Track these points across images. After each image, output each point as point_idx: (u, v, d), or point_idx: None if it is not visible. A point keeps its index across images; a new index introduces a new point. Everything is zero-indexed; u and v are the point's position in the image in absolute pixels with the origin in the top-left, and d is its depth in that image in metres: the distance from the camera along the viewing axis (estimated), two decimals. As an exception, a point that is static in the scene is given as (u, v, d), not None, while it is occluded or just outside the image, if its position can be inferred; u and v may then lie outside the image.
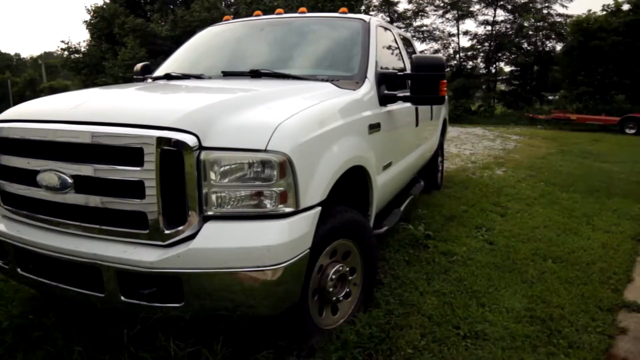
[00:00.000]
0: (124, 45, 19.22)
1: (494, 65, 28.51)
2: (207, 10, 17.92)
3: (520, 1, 26.51)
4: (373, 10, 28.69)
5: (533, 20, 25.85)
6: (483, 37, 27.75)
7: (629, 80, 20.29)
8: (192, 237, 2.04)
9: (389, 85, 3.44)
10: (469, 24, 76.26)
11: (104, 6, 22.67)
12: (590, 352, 2.61)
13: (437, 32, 28.65)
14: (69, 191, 2.19)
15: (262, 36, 3.90)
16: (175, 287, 2.04)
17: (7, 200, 2.51)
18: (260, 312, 2.14)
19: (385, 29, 4.24)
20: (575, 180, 7.43)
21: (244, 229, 2.04)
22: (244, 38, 3.99)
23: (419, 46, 38.08)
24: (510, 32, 26.98)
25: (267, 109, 2.30)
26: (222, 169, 2.03)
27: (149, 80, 3.82)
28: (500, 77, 29.50)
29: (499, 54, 27.79)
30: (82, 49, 23.65)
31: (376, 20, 3.93)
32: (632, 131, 16.98)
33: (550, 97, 27.29)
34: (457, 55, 28.50)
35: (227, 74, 3.39)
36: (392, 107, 3.48)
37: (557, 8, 27.45)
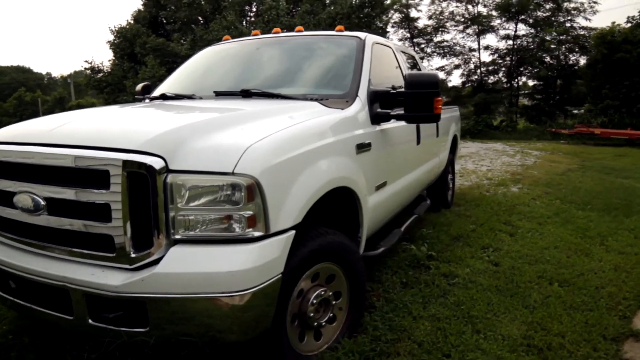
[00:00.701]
0: (145, 64, 19.68)
1: (516, 80, 28.11)
2: (225, 29, 18.21)
3: (542, 15, 26.18)
4: (393, 27, 28.74)
5: (555, 34, 25.46)
6: (504, 51, 27.42)
7: (656, 94, 19.74)
8: (158, 261, 2.00)
9: (384, 103, 3.37)
10: (490, 39, 75.51)
11: (127, 27, 23.29)
12: (588, 386, 2.46)
13: (458, 47, 28.45)
14: (42, 213, 2.20)
15: (257, 56, 3.89)
16: (140, 312, 1.99)
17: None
18: (228, 338, 2.07)
19: (385, 45, 4.19)
20: (593, 198, 7.18)
21: (210, 253, 1.98)
22: (239, 58, 3.99)
23: (439, 62, 37.87)
24: (532, 46, 26.60)
25: (241, 130, 2.25)
26: (189, 192, 1.99)
27: (147, 100, 3.84)
28: (523, 92, 29.06)
29: (521, 68, 27.39)
30: (105, 68, 24.31)
31: (373, 37, 3.87)
32: (660, 146, 16.44)
33: (574, 111, 26.73)
34: (478, 70, 28.22)
35: (219, 94, 3.38)
36: (386, 125, 3.40)
37: (580, 21, 27.00)
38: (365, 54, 3.50)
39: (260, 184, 2.00)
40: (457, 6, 27.70)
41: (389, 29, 26.89)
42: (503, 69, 27.71)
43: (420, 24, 28.75)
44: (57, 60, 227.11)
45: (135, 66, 21.97)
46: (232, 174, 1.97)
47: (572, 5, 25.03)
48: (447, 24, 28.00)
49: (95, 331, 2.10)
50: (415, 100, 3.11)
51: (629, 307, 3.34)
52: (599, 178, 9.31)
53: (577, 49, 25.87)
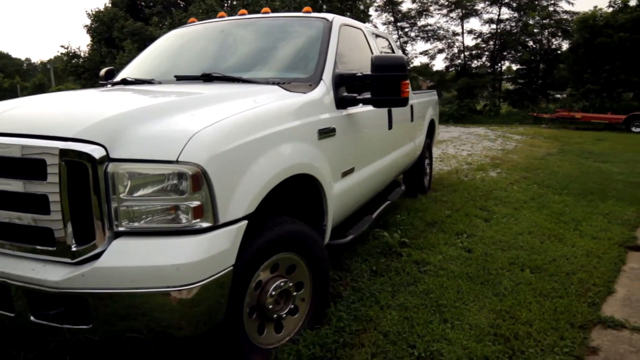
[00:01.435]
0: (123, 49, 19.23)
1: (500, 64, 28.16)
2: (205, 12, 17.83)
3: (525, -1, 26.16)
4: (377, 10, 28.51)
5: (538, 18, 25.48)
6: (488, 35, 27.42)
7: (637, 78, 19.90)
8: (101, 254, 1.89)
9: (352, 87, 3.27)
10: (473, 23, 75.46)
11: (104, 10, 22.72)
12: (552, 375, 2.42)
13: (442, 31, 28.37)
14: (-19, 205, 2.06)
15: (221, 38, 3.74)
16: (83, 308, 1.89)
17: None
18: (177, 334, 1.97)
19: (355, 27, 4.07)
20: (570, 182, 7.19)
21: (154, 246, 1.88)
22: (203, 40, 3.84)
23: (423, 46, 37.83)
24: (516, 30, 26.62)
25: (190, 115, 2.14)
26: (131, 182, 1.87)
27: (109, 85, 3.69)
28: (506, 76, 29.14)
29: (505, 53, 27.43)
30: (83, 54, 23.76)
31: (341, 19, 3.75)
32: (639, 129, 16.62)
33: (557, 96, 26.90)
34: (462, 55, 28.19)
35: (180, 78, 3.24)
36: (353, 110, 3.30)
37: (563, 5, 27.23)
38: (332, 36, 3.38)
39: (207, 173, 1.89)
40: (441, -11, 27.55)
41: (371, 12, 26.64)
42: (486, 53, 27.75)
43: (404, 7, 28.65)
44: (37, 45, 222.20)
45: (113, 51, 21.49)
46: (177, 162, 1.86)
47: (556, -12, 25.05)
48: (431, 8, 27.91)
49: (37, 329, 1.99)
50: (382, 83, 3.02)
51: (599, 294, 3.32)
52: (577, 162, 9.34)
53: (559, 33, 25.99)
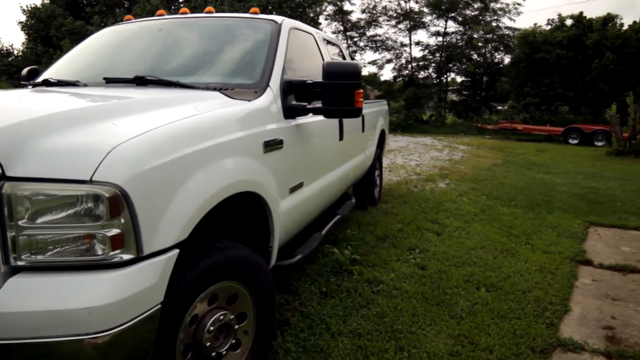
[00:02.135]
0: (61, 48, 18.16)
1: (445, 76, 28.85)
2: (150, 14, 17.18)
3: (470, 14, 26.96)
4: (327, 19, 28.55)
5: (482, 32, 26.32)
6: (434, 47, 28.04)
7: (573, 93, 20.87)
8: (-5, 295, 1.53)
9: (301, 95, 3.01)
10: (421, 35, 77.41)
11: (41, 7, 21.45)
12: (516, 410, 2.24)
13: (390, 42, 28.78)
14: None
15: (158, 38, 3.40)
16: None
17: None
18: (94, 386, 1.64)
19: (305, 32, 3.83)
20: (517, 194, 7.26)
21: (61, 284, 1.53)
22: (138, 40, 3.47)
23: (371, 56, 38.41)
24: (461, 44, 27.38)
25: (112, 125, 1.81)
26: (33, 205, 1.53)
27: (29, 87, 3.27)
28: (451, 87, 29.89)
29: (450, 65, 28.13)
30: (16, 52, 22.34)
31: (291, 22, 3.50)
32: (575, 141, 17.39)
33: (499, 107, 27.86)
34: (410, 65, 28.67)
35: (109, 81, 2.88)
36: (302, 120, 3.05)
37: (505, 21, 28.17)
38: (281, 40, 3.12)
39: (128, 195, 1.57)
40: (390, 1, 28.12)
41: (321, 21, 26.64)
42: (433, 64, 28.36)
43: (354, 17, 28.82)
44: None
45: (50, 50, 20.27)
46: (90, 182, 1.53)
47: (498, 5, 26.03)
48: (380, 19, 28.27)
49: None
50: (334, 92, 2.78)
51: (555, 313, 3.21)
52: (522, 173, 9.52)
53: (502, 48, 26.97)
